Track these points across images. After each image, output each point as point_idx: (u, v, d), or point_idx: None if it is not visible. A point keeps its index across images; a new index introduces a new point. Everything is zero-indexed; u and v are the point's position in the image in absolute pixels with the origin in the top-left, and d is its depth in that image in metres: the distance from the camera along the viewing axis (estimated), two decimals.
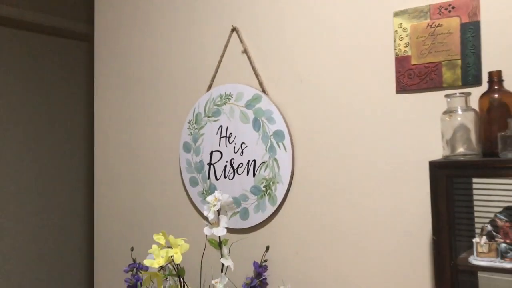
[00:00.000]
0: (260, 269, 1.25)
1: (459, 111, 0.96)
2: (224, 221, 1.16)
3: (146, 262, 1.04)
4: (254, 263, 1.26)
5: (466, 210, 1.01)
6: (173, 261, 1.06)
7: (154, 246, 1.05)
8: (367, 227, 1.14)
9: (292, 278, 1.25)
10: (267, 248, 1.29)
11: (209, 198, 1.16)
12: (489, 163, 0.91)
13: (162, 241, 1.11)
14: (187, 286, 1.14)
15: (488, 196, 1.00)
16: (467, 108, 0.96)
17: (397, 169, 1.10)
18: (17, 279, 2.13)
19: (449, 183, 0.94)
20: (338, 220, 1.18)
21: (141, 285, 1.16)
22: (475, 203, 1.01)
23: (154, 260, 1.03)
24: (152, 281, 1.07)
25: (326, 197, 1.21)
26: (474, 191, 1.01)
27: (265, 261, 1.27)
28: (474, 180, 0.99)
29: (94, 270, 1.69)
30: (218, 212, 1.16)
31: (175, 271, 1.10)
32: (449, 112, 0.97)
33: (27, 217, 2.19)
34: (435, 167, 0.95)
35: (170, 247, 1.09)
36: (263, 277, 1.26)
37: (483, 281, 1.01)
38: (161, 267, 1.04)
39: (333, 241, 1.19)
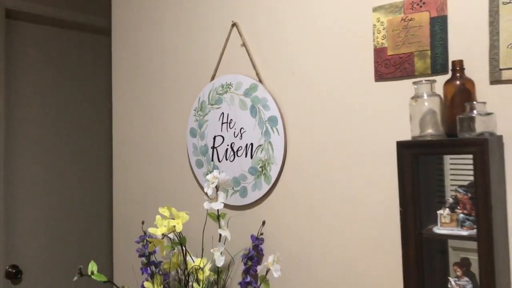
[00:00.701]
0: (257, 241, 1.40)
1: (425, 96, 1.07)
2: (221, 196, 1.30)
3: (150, 230, 1.20)
4: (251, 236, 1.41)
5: (436, 185, 1.13)
6: (175, 230, 1.21)
7: (158, 217, 1.21)
8: (349, 200, 1.26)
9: (285, 248, 1.38)
10: (263, 222, 1.43)
11: (209, 177, 1.31)
12: (446, 142, 1.03)
13: (166, 213, 1.26)
14: (189, 253, 1.29)
15: (456, 171, 1.10)
16: (432, 93, 1.08)
17: (375, 149, 1.21)
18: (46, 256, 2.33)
19: (414, 160, 1.06)
20: (324, 196, 1.31)
21: (149, 254, 1.31)
22: (446, 179, 1.12)
23: (158, 229, 1.18)
24: (156, 246, 1.22)
25: (314, 176, 1.33)
26: (445, 168, 1.12)
27: (261, 234, 1.41)
28: (447, 158, 1.10)
29: (113, 245, 1.86)
30: (217, 188, 1.31)
31: (178, 239, 1.25)
32: (416, 97, 1.08)
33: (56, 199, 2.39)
34: (401, 146, 1.07)
35: (173, 218, 1.24)
36: (260, 248, 1.40)
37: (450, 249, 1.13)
38: (164, 235, 1.19)
39: (320, 214, 1.32)
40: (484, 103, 1.02)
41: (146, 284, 1.26)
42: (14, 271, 2.42)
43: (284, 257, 1.37)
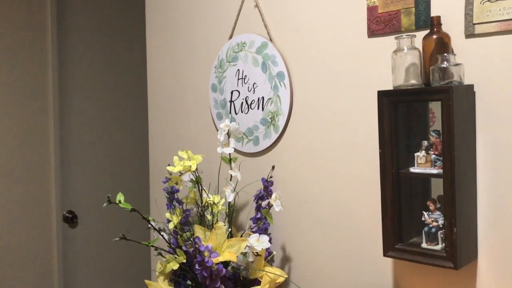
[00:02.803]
0: (266, 183, 1.57)
1: (405, 50, 1.19)
2: (232, 142, 1.48)
3: (169, 168, 1.41)
4: (262, 179, 1.58)
5: (418, 130, 1.25)
6: (191, 169, 1.41)
7: (175, 158, 1.41)
8: (345, 145, 1.42)
9: (289, 188, 1.56)
10: (273, 167, 1.60)
11: (221, 125, 1.50)
12: (418, 90, 1.15)
13: (185, 155, 1.46)
14: (205, 190, 1.50)
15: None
16: (412, 47, 1.19)
17: (368, 97, 1.34)
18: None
19: (392, 107, 1.19)
20: (324, 142, 1.47)
21: (172, 191, 1.52)
22: (428, 125, 1.23)
23: (175, 167, 1.39)
24: (176, 183, 1.43)
25: (315, 124, 1.49)
26: (428, 115, 1.24)
27: (271, 177, 1.59)
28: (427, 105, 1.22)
29: (149, 186, 2.11)
30: (228, 135, 1.49)
31: (194, 178, 1.46)
32: (397, 51, 1.20)
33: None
34: (380, 94, 1.20)
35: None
36: (269, 190, 1.57)
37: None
38: (180, 172, 1.40)
39: (319, 157, 1.48)
40: (454, 54, 1.13)
41: (167, 214, 1.48)
42: (70, 216, 2.75)
43: (289, 196, 1.55)
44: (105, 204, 1.28)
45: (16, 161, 2.47)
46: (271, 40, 1.59)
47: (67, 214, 2.72)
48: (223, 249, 1.36)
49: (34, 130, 2.53)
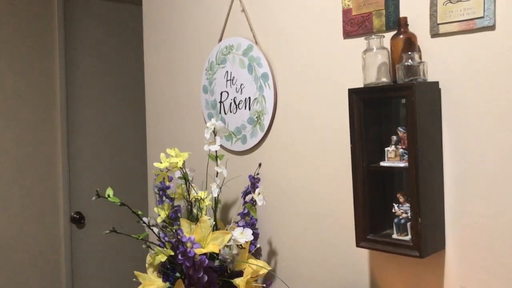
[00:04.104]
0: (253, 180, 1.64)
1: (374, 50, 1.25)
2: (218, 140, 1.56)
3: (155, 164, 1.48)
4: (249, 176, 1.65)
5: (390, 127, 1.30)
6: (177, 165, 1.48)
7: (162, 155, 1.49)
8: (324, 141, 1.48)
9: (274, 183, 1.62)
10: (259, 165, 1.67)
11: (208, 124, 1.57)
12: (385, 87, 1.21)
13: (173, 153, 1.54)
14: (192, 186, 1.57)
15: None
16: (381, 47, 1.25)
17: (344, 96, 1.39)
18: None
19: (361, 104, 1.25)
20: (305, 139, 1.53)
21: (162, 188, 1.59)
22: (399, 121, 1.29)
23: (161, 164, 1.47)
24: (163, 178, 1.51)
25: (297, 122, 1.55)
26: (400, 111, 1.29)
27: (258, 174, 1.66)
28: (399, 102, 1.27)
29: (147, 186, 2.19)
30: (215, 134, 1.56)
31: (182, 174, 1.53)
32: (367, 50, 1.26)
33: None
34: (351, 92, 1.26)
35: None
36: (256, 186, 1.64)
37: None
38: (167, 168, 1.48)
39: (301, 153, 1.54)
40: (418, 53, 1.19)
41: (155, 209, 1.56)
42: (77, 216, 2.85)
43: (274, 192, 1.62)
44: (94, 198, 1.36)
45: (25, 164, 2.57)
46: (256, 43, 1.66)
47: (74, 215, 2.82)
48: (207, 241, 1.43)
49: (42, 135, 2.64)
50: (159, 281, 1.49)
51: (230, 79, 1.75)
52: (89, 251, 2.85)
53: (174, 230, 1.38)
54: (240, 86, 1.72)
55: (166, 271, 1.52)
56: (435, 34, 1.21)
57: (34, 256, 2.62)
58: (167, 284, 1.49)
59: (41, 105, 2.62)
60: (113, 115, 2.89)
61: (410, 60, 1.17)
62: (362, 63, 1.27)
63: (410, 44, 1.22)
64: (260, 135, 1.66)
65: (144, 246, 1.49)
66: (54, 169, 2.71)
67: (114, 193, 1.40)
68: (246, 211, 1.61)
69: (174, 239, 1.35)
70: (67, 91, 2.71)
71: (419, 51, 1.23)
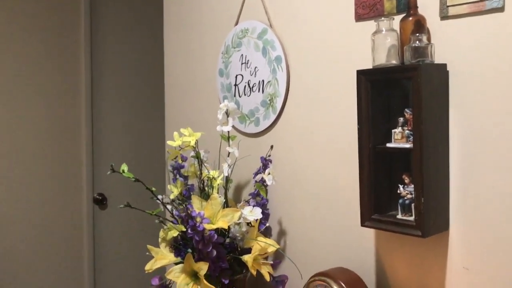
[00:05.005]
0: (265, 161, 1.67)
1: (384, 31, 1.26)
2: (230, 121, 1.59)
3: (169, 142, 1.53)
4: (261, 158, 1.68)
5: (398, 108, 1.31)
6: (190, 144, 1.53)
7: (175, 133, 1.54)
8: (333, 124, 1.50)
9: (285, 165, 1.66)
10: (271, 147, 1.70)
11: (221, 105, 1.61)
12: (392, 69, 1.22)
13: (186, 132, 1.58)
14: (205, 165, 1.61)
15: None
16: (390, 29, 1.26)
17: (355, 78, 1.41)
18: None
19: (369, 85, 1.26)
20: (315, 121, 1.56)
21: (177, 168, 1.64)
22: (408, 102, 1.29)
23: (175, 142, 1.52)
24: (176, 157, 1.56)
25: (309, 104, 1.58)
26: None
27: (269, 156, 1.69)
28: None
29: (165, 164, 2.25)
30: (227, 114, 1.60)
31: (195, 153, 1.58)
32: (376, 32, 1.27)
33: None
34: (359, 73, 1.28)
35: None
36: (268, 167, 1.67)
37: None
38: (180, 147, 1.52)
39: (312, 136, 1.57)
40: (426, 34, 1.19)
41: (169, 186, 1.61)
42: (100, 198, 2.95)
43: (285, 173, 1.65)
44: (108, 172, 1.41)
45: (50, 147, 2.67)
46: (271, 26, 1.69)
47: (97, 196, 2.91)
48: (217, 218, 1.47)
49: (66, 119, 2.73)
50: (171, 256, 1.54)
51: (245, 62, 1.78)
52: (110, 231, 2.94)
53: (184, 205, 1.43)
54: (255, 69, 1.74)
55: (178, 246, 1.57)
56: (444, 16, 1.21)
57: (57, 236, 2.72)
58: (179, 259, 1.54)
59: (66, 90, 2.71)
60: (136, 99, 2.96)
61: (417, 42, 1.18)
62: (372, 45, 1.28)
63: (419, 26, 1.22)
64: (273, 117, 1.69)
65: (157, 221, 1.54)
66: (78, 152, 2.80)
67: (135, 175, 1.45)
68: (256, 191, 1.64)
69: (184, 213, 1.40)
70: (92, 78, 2.80)
71: (428, 33, 1.23)
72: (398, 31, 1.26)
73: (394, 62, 1.25)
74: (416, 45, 1.18)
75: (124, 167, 1.43)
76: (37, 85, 2.61)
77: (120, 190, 2.87)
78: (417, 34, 1.19)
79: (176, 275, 1.44)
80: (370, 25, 1.38)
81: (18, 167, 2.58)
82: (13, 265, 2.57)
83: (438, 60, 1.22)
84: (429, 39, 1.22)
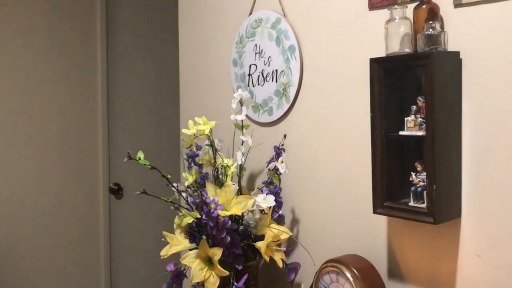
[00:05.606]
0: (278, 150, 1.69)
1: (397, 20, 1.27)
2: (244, 110, 1.61)
3: (184, 130, 1.56)
4: (274, 147, 1.70)
5: (412, 96, 1.32)
6: (204, 133, 1.55)
7: (190, 122, 1.56)
8: (346, 112, 1.51)
9: (299, 154, 1.67)
10: (285, 136, 1.72)
11: (235, 94, 1.63)
12: (405, 57, 1.22)
13: (201, 121, 1.61)
14: (219, 153, 1.64)
15: None
16: (403, 17, 1.26)
17: (366, 66, 1.42)
18: None
19: (382, 73, 1.27)
20: (328, 110, 1.57)
21: (192, 156, 1.67)
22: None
23: (189, 130, 1.54)
24: (191, 145, 1.59)
25: (322, 93, 1.59)
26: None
27: (282, 145, 1.71)
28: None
29: (180, 155, 2.28)
30: (241, 103, 1.62)
31: (209, 142, 1.61)
32: (389, 21, 1.28)
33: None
34: (372, 61, 1.29)
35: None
36: (281, 156, 1.69)
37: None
38: (194, 135, 1.55)
39: (325, 125, 1.58)
40: (439, 22, 1.20)
41: (183, 174, 1.63)
42: (116, 187, 2.99)
43: (298, 162, 1.67)
44: (125, 159, 1.45)
45: (67, 137, 2.72)
46: (284, 15, 1.70)
47: (113, 186, 2.96)
48: (231, 205, 1.50)
49: (83, 110, 2.78)
50: (186, 242, 1.57)
51: (259, 52, 1.80)
52: (126, 220, 3.00)
53: (199, 191, 1.45)
54: (268, 58, 1.76)
55: (193, 232, 1.60)
56: (458, 4, 1.21)
57: (74, 225, 2.78)
58: (193, 245, 1.57)
59: (82, 81, 2.75)
60: (151, 90, 3.00)
61: (431, 29, 1.19)
62: (385, 33, 1.29)
63: (433, 14, 1.23)
64: (286, 106, 1.71)
65: (172, 208, 1.57)
66: (94, 143, 2.85)
67: (152, 163, 1.48)
68: (270, 179, 1.66)
69: (199, 200, 1.43)
70: (108, 69, 2.84)
71: (442, 21, 1.23)
72: (412, 20, 1.26)
73: (407, 50, 1.26)
74: (429, 32, 1.18)
75: (140, 154, 1.46)
76: (54, 76, 2.66)
77: (135, 180, 2.91)
78: (431, 22, 1.19)
79: (191, 260, 1.47)
80: (383, 14, 1.38)
81: (35, 158, 2.63)
82: (30, 254, 2.63)
83: (451, 48, 1.22)
84: (442, 27, 1.23)
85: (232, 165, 1.65)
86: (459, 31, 1.22)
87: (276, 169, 1.61)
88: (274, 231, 1.51)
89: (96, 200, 2.89)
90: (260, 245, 1.50)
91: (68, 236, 2.76)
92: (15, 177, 2.57)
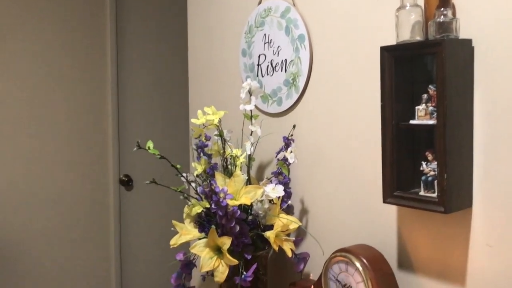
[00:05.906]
0: (287, 140, 1.69)
1: (408, 7, 1.25)
2: (253, 100, 1.61)
3: (192, 120, 1.56)
4: (283, 137, 1.70)
5: (422, 85, 1.30)
6: (213, 122, 1.55)
7: (199, 112, 1.56)
8: (357, 102, 1.50)
9: (309, 144, 1.67)
10: (294, 126, 1.71)
11: (243, 84, 1.62)
12: (416, 44, 1.21)
13: (210, 111, 1.61)
14: (227, 143, 1.64)
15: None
16: (414, 4, 1.25)
17: (376, 54, 1.40)
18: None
19: (393, 61, 1.26)
20: (338, 99, 1.56)
21: (201, 147, 1.67)
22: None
23: (198, 120, 1.54)
24: (200, 135, 1.59)
25: (332, 83, 1.58)
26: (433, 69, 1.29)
27: (291, 135, 1.70)
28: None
29: (189, 144, 2.29)
30: (250, 93, 1.61)
31: (218, 131, 1.60)
32: (400, 8, 1.26)
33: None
34: (383, 49, 1.27)
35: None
36: (290, 146, 1.69)
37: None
38: (203, 125, 1.55)
39: (335, 115, 1.57)
40: (451, 9, 1.18)
41: (193, 164, 1.64)
42: (126, 179, 3.01)
43: (307, 153, 1.66)
44: (134, 149, 1.45)
45: (77, 130, 2.74)
46: (294, 4, 1.68)
47: (123, 178, 2.98)
48: (240, 195, 1.50)
49: (94, 103, 2.79)
50: (195, 231, 1.58)
51: (268, 42, 1.79)
52: (136, 211, 3.02)
53: (208, 181, 1.46)
54: (277, 48, 1.75)
55: (202, 222, 1.61)
56: None
57: (85, 216, 2.80)
58: (203, 234, 1.58)
59: (92, 73, 2.76)
60: (160, 80, 3.00)
61: (442, 17, 1.17)
62: (396, 21, 1.27)
63: (445, 1, 1.21)
64: (295, 97, 1.70)
65: (181, 197, 1.58)
66: (104, 134, 2.86)
67: (162, 154, 1.48)
68: (279, 169, 1.66)
69: (208, 189, 1.43)
70: (117, 58, 2.84)
71: (453, 8, 1.22)
72: (423, 7, 1.25)
73: (418, 38, 1.24)
74: (441, 20, 1.17)
75: (150, 144, 1.46)
76: (64, 70, 2.68)
77: (145, 172, 2.93)
78: (442, 9, 1.17)
79: (200, 249, 1.47)
80: (394, 1, 1.37)
81: (46, 149, 2.65)
82: (41, 244, 2.66)
83: (463, 35, 1.21)
84: (454, 13, 1.21)
85: (241, 155, 1.64)
86: (471, 18, 1.20)
87: (285, 159, 1.60)
88: (283, 221, 1.50)
89: (106, 191, 2.92)
90: (269, 234, 1.50)
91: (79, 227, 2.79)
92: (25, 169, 2.60)
